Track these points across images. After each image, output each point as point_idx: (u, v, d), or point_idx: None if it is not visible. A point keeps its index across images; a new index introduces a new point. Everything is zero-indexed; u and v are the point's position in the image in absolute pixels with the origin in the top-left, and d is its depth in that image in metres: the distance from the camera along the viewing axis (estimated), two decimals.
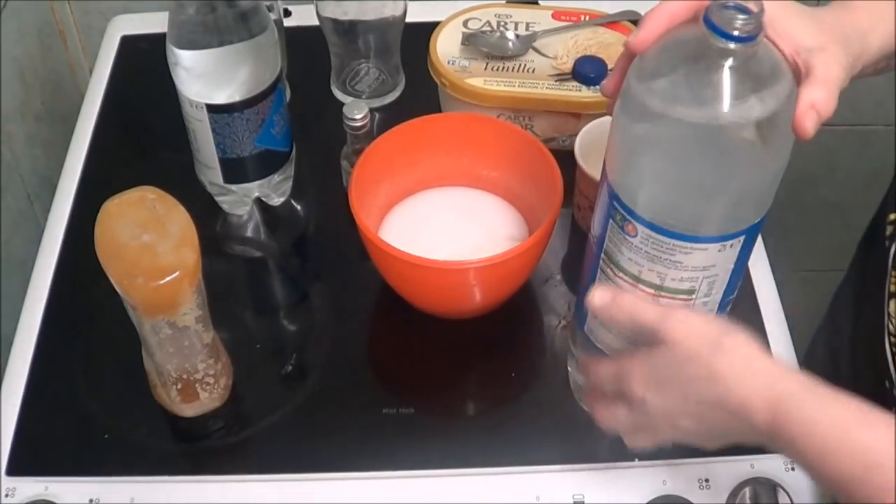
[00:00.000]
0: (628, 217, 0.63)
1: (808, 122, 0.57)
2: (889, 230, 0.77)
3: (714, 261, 0.63)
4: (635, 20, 1.02)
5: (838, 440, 0.56)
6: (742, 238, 0.63)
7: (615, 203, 0.63)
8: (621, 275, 0.66)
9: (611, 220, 0.65)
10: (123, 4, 1.17)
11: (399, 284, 0.84)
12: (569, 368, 0.80)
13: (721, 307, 0.68)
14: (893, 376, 0.73)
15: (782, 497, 0.74)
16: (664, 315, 0.63)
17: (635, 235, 0.63)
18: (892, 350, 0.74)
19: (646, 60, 0.60)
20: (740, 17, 0.55)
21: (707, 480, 0.76)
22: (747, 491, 0.75)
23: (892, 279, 0.75)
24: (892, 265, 0.75)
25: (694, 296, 0.66)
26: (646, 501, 0.75)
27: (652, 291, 0.66)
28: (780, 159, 0.60)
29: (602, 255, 0.67)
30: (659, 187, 0.61)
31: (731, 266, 0.65)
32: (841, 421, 0.57)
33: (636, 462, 0.77)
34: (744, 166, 0.59)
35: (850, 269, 0.89)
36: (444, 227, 0.88)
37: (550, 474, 0.77)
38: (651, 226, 0.62)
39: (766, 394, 0.59)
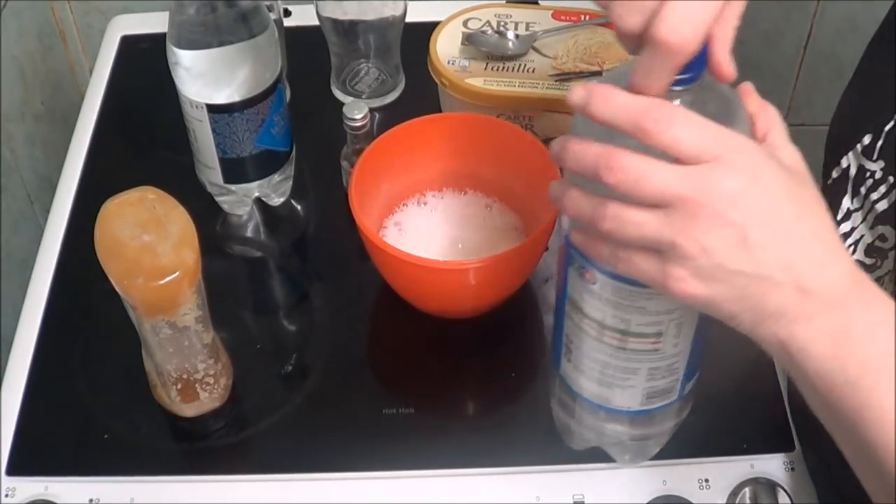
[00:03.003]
0: (585, 265, 0.61)
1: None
2: None
3: (678, 303, 0.59)
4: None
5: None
6: None
7: (572, 251, 0.61)
8: (586, 321, 0.64)
9: (570, 268, 0.63)
10: (123, 4, 1.17)
11: (399, 285, 0.84)
12: (552, 407, 0.77)
13: (694, 348, 0.65)
14: None
15: (782, 497, 0.74)
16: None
17: (595, 282, 0.61)
18: None
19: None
20: None
21: (707, 480, 0.76)
22: (747, 491, 0.75)
23: None
24: None
25: (662, 338, 0.63)
26: (646, 501, 0.75)
27: (618, 336, 0.63)
28: None
29: (566, 301, 0.65)
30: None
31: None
32: None
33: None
34: None
35: None
36: (444, 228, 0.89)
37: (550, 474, 0.77)
38: (609, 273, 0.59)
39: (847, 257, 0.52)
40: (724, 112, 0.56)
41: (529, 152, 0.85)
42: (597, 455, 0.77)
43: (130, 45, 1.11)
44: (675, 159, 0.52)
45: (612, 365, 0.66)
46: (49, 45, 1.21)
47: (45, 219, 0.96)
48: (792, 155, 0.57)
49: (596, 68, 0.97)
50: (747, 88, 0.60)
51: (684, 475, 0.76)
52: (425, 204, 0.90)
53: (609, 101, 0.52)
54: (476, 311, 0.85)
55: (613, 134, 0.53)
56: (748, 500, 0.74)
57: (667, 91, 0.53)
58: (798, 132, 0.80)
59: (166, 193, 0.72)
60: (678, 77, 0.53)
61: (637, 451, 0.75)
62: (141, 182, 0.73)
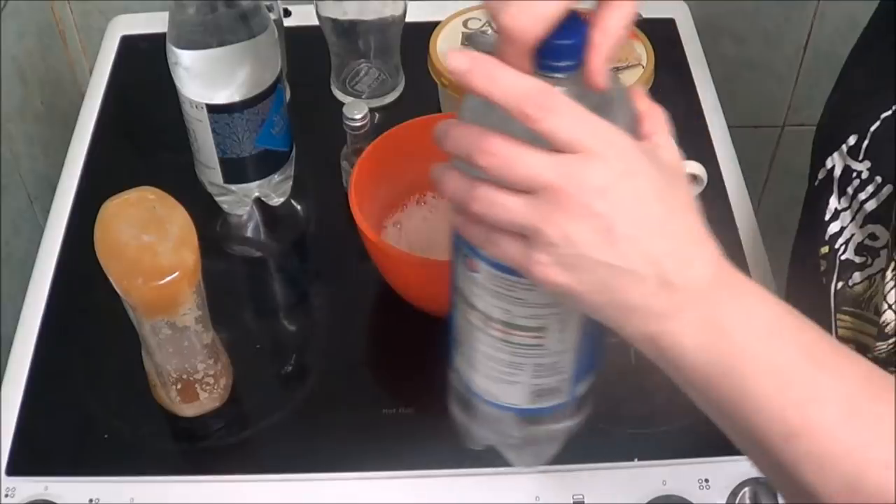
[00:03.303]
0: (469, 254, 0.60)
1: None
2: (823, 265, 0.71)
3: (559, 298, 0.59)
4: (635, 20, 1.02)
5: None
6: None
7: (457, 239, 0.60)
8: (472, 312, 0.63)
9: (457, 257, 0.62)
10: (123, 4, 1.17)
11: (399, 284, 0.84)
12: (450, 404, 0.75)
13: (582, 347, 0.64)
14: None
15: (782, 497, 0.74)
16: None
17: (478, 272, 0.60)
18: None
19: (476, 100, 0.55)
20: (560, 42, 0.52)
21: (707, 480, 0.76)
22: (747, 491, 0.75)
23: (840, 323, 0.69)
24: (836, 307, 0.69)
25: (545, 333, 0.62)
26: (646, 501, 0.75)
27: (501, 328, 0.62)
28: None
29: (455, 291, 0.64)
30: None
31: None
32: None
33: (636, 462, 0.77)
34: None
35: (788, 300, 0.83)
36: (444, 227, 0.88)
37: (550, 474, 0.77)
38: (490, 262, 0.58)
39: (717, 253, 0.53)
40: (605, 106, 0.55)
41: None
42: (597, 455, 0.77)
43: (130, 45, 1.11)
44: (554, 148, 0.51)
45: (497, 358, 0.65)
46: (49, 45, 1.21)
47: (45, 219, 0.96)
48: (672, 154, 0.56)
49: None
50: (639, 90, 0.59)
51: (684, 475, 0.76)
52: (425, 203, 0.90)
53: (494, 78, 0.51)
54: None
55: (507, 120, 0.52)
56: (748, 500, 0.74)
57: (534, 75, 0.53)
58: (798, 132, 0.80)
59: (166, 193, 0.72)
60: (553, 64, 0.53)
61: (532, 454, 0.74)
62: (141, 182, 0.73)
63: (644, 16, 1.04)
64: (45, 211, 0.97)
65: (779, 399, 0.49)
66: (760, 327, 0.51)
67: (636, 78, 0.96)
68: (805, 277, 0.74)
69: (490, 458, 0.78)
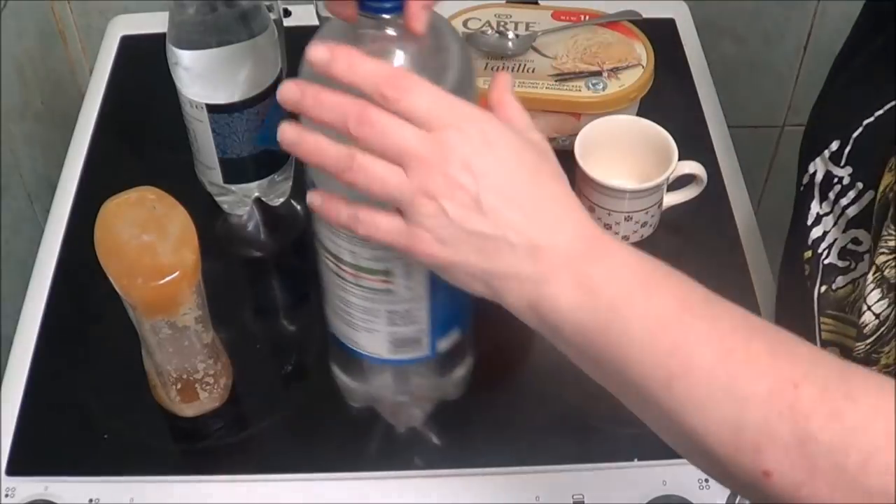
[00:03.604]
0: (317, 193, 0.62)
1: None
2: (808, 269, 0.71)
3: None
4: (635, 20, 1.02)
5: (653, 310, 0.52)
6: None
7: (310, 177, 0.63)
8: (327, 255, 0.66)
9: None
10: (123, 4, 1.17)
11: None
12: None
13: (434, 296, 0.66)
14: None
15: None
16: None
17: None
18: None
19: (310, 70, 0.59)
20: None
21: (707, 480, 0.76)
22: None
23: (823, 326, 0.69)
24: (820, 311, 0.70)
25: (392, 277, 0.64)
26: (646, 501, 0.75)
27: (351, 271, 0.65)
28: None
29: (315, 238, 0.67)
30: None
31: None
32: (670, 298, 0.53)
33: (636, 462, 0.77)
34: None
35: (777, 305, 0.82)
36: None
37: (550, 474, 0.77)
38: None
39: (584, 216, 0.55)
40: (439, 52, 0.59)
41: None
42: (597, 455, 0.77)
43: (130, 45, 1.11)
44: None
45: (353, 304, 0.67)
46: (49, 45, 1.21)
47: (45, 219, 0.96)
48: (525, 122, 0.59)
49: (595, 68, 0.97)
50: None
51: (684, 475, 0.76)
52: None
53: (354, 65, 0.54)
54: None
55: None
56: (748, 501, 0.74)
57: (357, 19, 0.57)
58: (798, 132, 0.80)
59: (166, 193, 0.72)
60: (374, 5, 0.56)
61: (405, 415, 0.77)
62: (141, 182, 0.73)
63: (644, 16, 1.04)
64: (45, 211, 0.97)
65: (656, 346, 0.50)
66: (632, 282, 0.53)
67: (636, 78, 0.96)
68: (793, 281, 0.74)
69: (490, 458, 0.78)
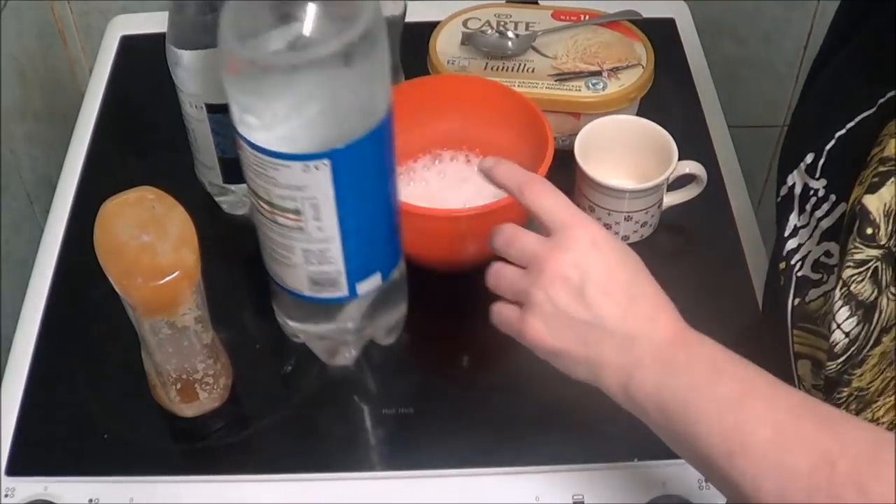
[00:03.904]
0: (236, 136, 0.68)
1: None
2: (782, 280, 0.72)
3: (304, 182, 0.67)
4: (635, 20, 1.03)
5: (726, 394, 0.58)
6: (327, 162, 0.66)
7: (234, 120, 0.68)
8: (249, 192, 0.72)
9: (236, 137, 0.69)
10: (123, 4, 1.17)
11: (415, 243, 0.84)
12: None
13: (347, 238, 0.71)
14: None
15: None
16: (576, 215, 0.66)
17: (242, 150, 0.69)
18: None
19: (240, 19, 0.64)
20: None
21: (707, 480, 0.75)
22: None
23: (796, 338, 0.71)
24: (793, 323, 0.71)
25: (302, 216, 0.69)
26: (646, 501, 0.75)
27: (268, 208, 0.70)
28: (357, 85, 0.65)
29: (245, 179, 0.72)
30: (241, 105, 0.66)
31: (332, 193, 0.68)
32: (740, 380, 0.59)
33: (636, 462, 0.77)
34: (321, 88, 0.64)
35: (762, 314, 0.84)
36: (438, 190, 0.90)
37: (550, 474, 0.77)
38: (247, 141, 0.67)
39: (674, 314, 0.63)
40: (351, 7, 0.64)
41: (516, 109, 0.87)
42: (597, 455, 0.77)
43: (130, 45, 1.11)
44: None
45: (273, 240, 0.73)
46: (49, 45, 1.21)
47: (45, 219, 0.96)
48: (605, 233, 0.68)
49: (595, 68, 0.97)
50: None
51: (684, 475, 0.76)
52: (418, 170, 0.92)
53: (510, 169, 0.69)
54: (474, 264, 0.85)
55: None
56: None
57: None
58: None
59: (166, 193, 0.72)
60: None
61: (332, 352, 0.82)
62: (141, 182, 0.73)
63: (644, 16, 1.04)
64: (45, 211, 0.97)
65: (720, 424, 0.57)
66: (706, 367, 0.60)
67: (636, 78, 0.96)
68: (773, 291, 0.75)
69: (490, 458, 0.78)
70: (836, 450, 0.54)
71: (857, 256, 0.63)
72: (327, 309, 0.77)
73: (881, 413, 0.66)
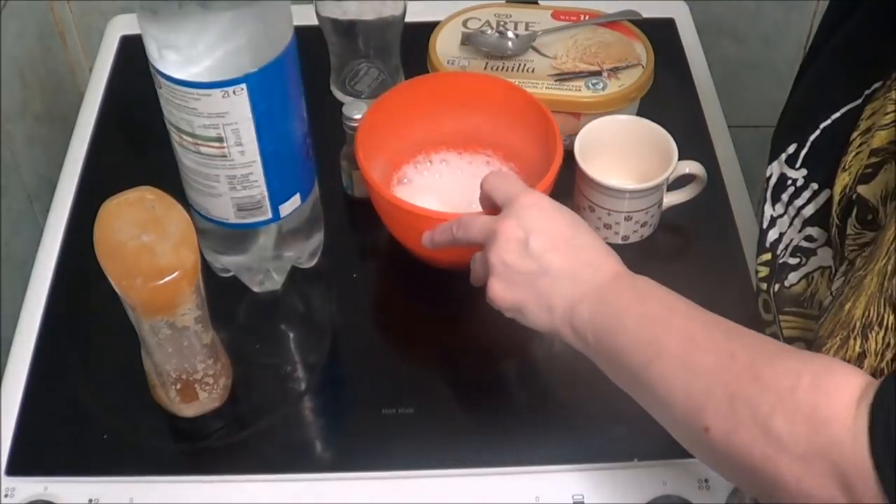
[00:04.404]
0: (155, 73, 0.73)
1: None
2: (764, 272, 0.75)
3: (225, 108, 0.73)
4: (635, 20, 1.02)
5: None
6: (244, 86, 0.72)
7: (149, 61, 0.73)
8: (171, 128, 0.76)
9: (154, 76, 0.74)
10: (123, 4, 1.17)
11: (404, 237, 0.86)
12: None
13: (268, 161, 0.76)
14: None
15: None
16: (514, 190, 0.73)
17: (163, 88, 0.74)
18: None
19: None
20: None
21: (707, 480, 0.76)
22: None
23: (784, 323, 0.73)
24: (778, 309, 0.73)
25: (225, 143, 0.75)
26: (646, 501, 0.75)
27: (191, 140, 0.75)
28: (267, 14, 0.71)
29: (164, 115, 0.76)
30: (161, 42, 0.71)
31: (250, 116, 0.74)
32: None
33: (636, 462, 0.77)
34: (235, 21, 0.70)
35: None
36: (447, 189, 0.91)
37: (550, 474, 0.77)
38: (167, 77, 0.72)
39: (615, 259, 0.70)
40: None
41: (525, 108, 0.88)
42: (597, 455, 0.77)
43: (130, 45, 1.11)
44: None
45: (196, 171, 0.77)
46: (49, 46, 1.21)
47: (45, 219, 0.96)
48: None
49: (595, 68, 0.97)
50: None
51: (684, 475, 0.76)
52: (430, 163, 0.93)
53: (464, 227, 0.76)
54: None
55: None
56: (748, 500, 0.74)
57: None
58: None
59: (165, 193, 0.72)
60: None
61: (260, 281, 0.87)
62: (141, 182, 0.73)
63: (644, 16, 1.04)
64: (45, 211, 0.97)
65: (640, 336, 0.64)
66: (634, 294, 0.67)
67: (636, 78, 0.96)
68: (758, 283, 0.76)
69: (490, 458, 0.78)
70: (738, 348, 0.59)
71: (859, 241, 0.65)
72: (249, 237, 0.84)
73: None
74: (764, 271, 0.74)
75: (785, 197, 0.72)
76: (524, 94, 0.90)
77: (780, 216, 0.73)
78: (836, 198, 0.67)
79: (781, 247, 0.72)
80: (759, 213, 0.75)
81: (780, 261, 0.72)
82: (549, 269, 0.69)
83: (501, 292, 0.71)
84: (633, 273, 0.69)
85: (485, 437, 0.79)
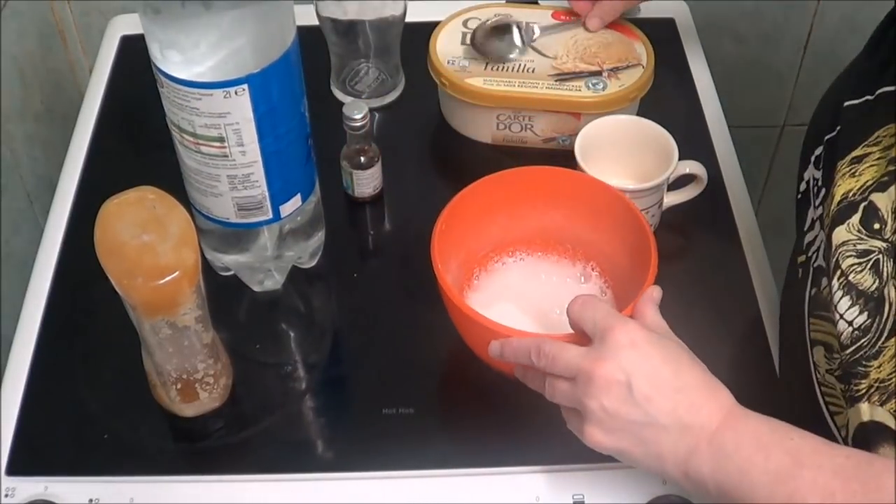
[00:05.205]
0: (157, 73, 0.73)
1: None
2: (800, 273, 0.74)
3: (227, 108, 0.73)
4: (635, 19, 1.02)
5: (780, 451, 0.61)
6: (245, 87, 0.72)
7: (152, 61, 0.73)
8: (173, 128, 0.76)
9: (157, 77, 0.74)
10: (123, 4, 1.17)
11: (471, 341, 0.80)
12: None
13: (269, 162, 0.76)
14: (832, 428, 0.69)
15: None
16: (614, 317, 0.68)
17: (165, 87, 0.74)
18: (824, 400, 0.70)
19: None
20: None
21: None
22: None
23: (812, 326, 0.71)
24: (809, 312, 0.71)
25: (226, 143, 0.75)
26: (646, 501, 0.75)
27: (192, 139, 0.75)
28: (270, 15, 0.72)
29: (166, 114, 0.76)
30: (163, 42, 0.71)
31: (252, 116, 0.74)
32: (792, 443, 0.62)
33: None
34: (238, 21, 0.70)
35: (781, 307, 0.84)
36: (523, 293, 0.85)
37: (550, 474, 0.77)
38: (169, 77, 0.72)
39: (720, 395, 0.66)
40: None
41: (622, 214, 0.82)
42: (597, 455, 0.77)
43: (130, 45, 1.11)
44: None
45: (198, 171, 0.77)
46: (49, 45, 1.21)
47: (45, 219, 0.96)
48: (656, 321, 0.71)
49: (595, 68, 0.97)
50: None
51: None
52: (504, 264, 0.87)
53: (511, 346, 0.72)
54: None
55: None
56: None
57: None
58: (798, 132, 0.81)
59: (166, 193, 0.72)
60: None
61: (264, 277, 0.86)
62: (141, 182, 0.73)
63: (644, 16, 1.04)
64: (45, 211, 0.97)
65: (772, 496, 0.60)
66: (753, 445, 0.62)
67: (636, 78, 0.96)
68: (792, 283, 0.76)
69: (490, 458, 0.78)
70: (878, 499, 0.57)
71: (859, 247, 0.64)
72: (250, 237, 0.84)
73: None
74: (800, 272, 0.73)
75: (816, 199, 0.72)
76: (611, 191, 0.83)
77: (818, 218, 0.71)
78: (837, 203, 0.67)
79: (813, 248, 0.72)
80: (800, 215, 0.74)
81: (815, 264, 0.71)
82: (656, 418, 0.65)
83: (602, 440, 0.67)
84: (742, 408, 0.65)
85: (485, 437, 0.79)
